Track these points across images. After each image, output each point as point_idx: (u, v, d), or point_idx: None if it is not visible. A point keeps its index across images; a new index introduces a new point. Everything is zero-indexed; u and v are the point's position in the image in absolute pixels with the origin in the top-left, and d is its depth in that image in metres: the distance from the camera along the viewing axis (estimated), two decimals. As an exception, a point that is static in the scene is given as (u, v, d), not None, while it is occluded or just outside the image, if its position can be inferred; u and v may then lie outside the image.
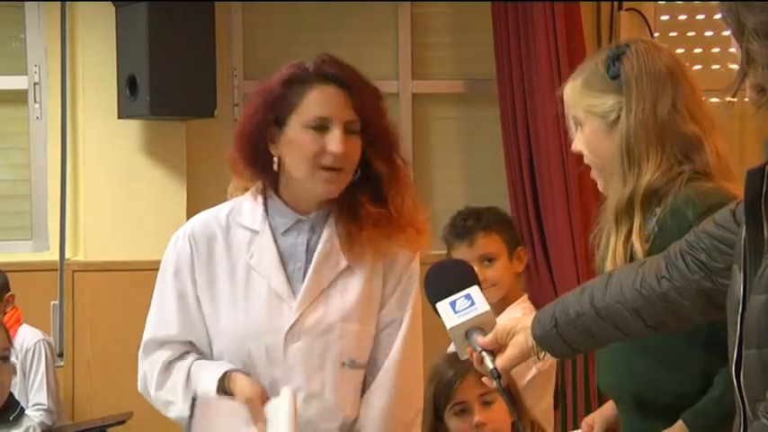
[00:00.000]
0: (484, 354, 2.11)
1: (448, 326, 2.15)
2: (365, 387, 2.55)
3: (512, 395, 2.80)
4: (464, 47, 5.70)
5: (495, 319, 2.16)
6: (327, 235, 2.54)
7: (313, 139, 2.46)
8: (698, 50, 5.75)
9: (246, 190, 2.65)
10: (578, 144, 2.50)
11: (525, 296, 3.56)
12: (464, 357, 2.18)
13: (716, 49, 5.72)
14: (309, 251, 2.54)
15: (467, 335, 2.14)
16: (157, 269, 2.61)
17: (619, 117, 2.40)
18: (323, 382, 2.50)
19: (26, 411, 3.62)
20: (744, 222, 1.71)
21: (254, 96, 2.55)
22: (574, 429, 3.19)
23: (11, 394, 3.41)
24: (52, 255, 5.35)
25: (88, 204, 5.33)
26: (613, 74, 2.41)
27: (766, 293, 1.63)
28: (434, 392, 2.90)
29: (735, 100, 1.70)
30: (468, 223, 3.50)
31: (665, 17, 5.81)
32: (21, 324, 4.89)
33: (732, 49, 1.69)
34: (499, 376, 2.09)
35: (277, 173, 2.53)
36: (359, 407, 2.54)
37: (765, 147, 1.68)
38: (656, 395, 2.40)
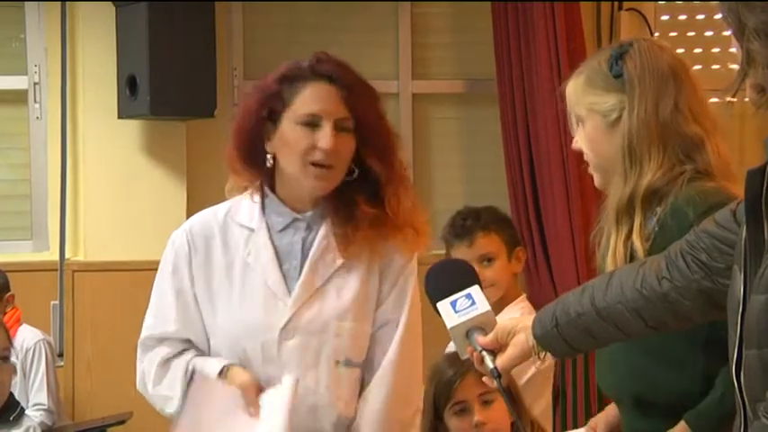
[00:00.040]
0: (484, 353, 2.11)
1: (448, 325, 2.15)
2: (363, 386, 2.56)
3: (512, 395, 2.80)
4: (464, 47, 5.70)
5: (496, 319, 2.16)
6: (323, 234, 2.54)
7: (304, 135, 2.46)
8: (698, 50, 5.74)
9: (245, 189, 2.65)
10: (579, 141, 2.49)
11: (524, 296, 3.57)
12: (464, 357, 2.18)
13: (716, 49, 5.71)
14: (305, 249, 2.54)
15: (467, 334, 2.14)
16: (157, 269, 2.61)
17: (621, 116, 2.40)
18: (317, 379, 2.50)
19: (26, 411, 3.62)
20: (744, 222, 1.71)
21: (251, 93, 2.55)
22: (574, 429, 3.19)
23: (11, 394, 3.41)
24: (52, 255, 5.34)
25: (88, 204, 5.32)
26: (616, 72, 2.41)
27: (766, 293, 1.63)
28: (434, 392, 2.90)
29: (735, 100, 1.70)
30: (467, 223, 3.51)
31: (665, 17, 5.81)
32: (21, 324, 4.89)
33: (732, 49, 1.69)
34: (499, 376, 2.09)
35: (273, 170, 2.54)
36: (355, 405, 2.54)
37: (765, 147, 1.68)
38: (656, 395, 2.39)
